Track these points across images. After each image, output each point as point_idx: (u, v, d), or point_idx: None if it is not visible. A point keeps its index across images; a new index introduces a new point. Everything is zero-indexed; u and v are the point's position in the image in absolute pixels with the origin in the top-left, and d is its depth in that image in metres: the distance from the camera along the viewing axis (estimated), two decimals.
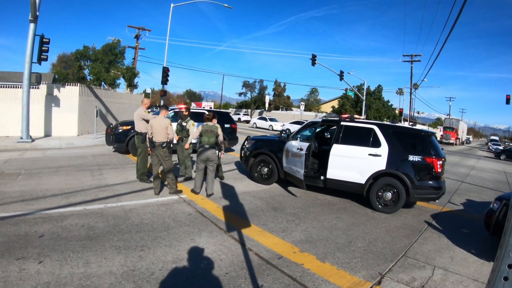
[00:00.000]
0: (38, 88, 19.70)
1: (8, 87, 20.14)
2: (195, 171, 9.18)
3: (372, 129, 9.12)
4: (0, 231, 5.79)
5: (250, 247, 5.87)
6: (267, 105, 64.16)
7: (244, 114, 63.75)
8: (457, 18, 13.69)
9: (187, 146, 10.16)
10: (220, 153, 9.24)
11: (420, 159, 8.56)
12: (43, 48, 17.73)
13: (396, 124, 9.76)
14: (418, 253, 6.20)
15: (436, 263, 5.81)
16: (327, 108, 69.57)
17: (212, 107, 20.89)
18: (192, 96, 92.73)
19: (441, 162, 8.61)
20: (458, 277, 5.39)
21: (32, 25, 16.97)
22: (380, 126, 9.18)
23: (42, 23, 65.45)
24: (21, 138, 16.86)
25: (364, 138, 9.17)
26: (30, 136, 17.20)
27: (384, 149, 8.79)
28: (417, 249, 6.42)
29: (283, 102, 69.44)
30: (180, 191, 8.85)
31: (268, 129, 43.47)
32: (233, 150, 17.59)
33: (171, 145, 8.79)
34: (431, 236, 7.24)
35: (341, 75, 39.31)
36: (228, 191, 9.45)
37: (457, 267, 5.77)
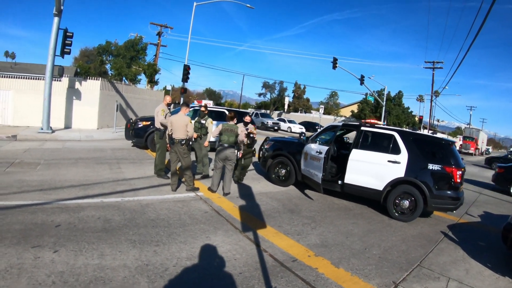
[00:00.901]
0: (60, 80, 19.98)
1: (31, 78, 20.44)
2: (212, 170, 9.16)
3: (392, 136, 8.97)
4: (18, 218, 5.85)
5: (265, 248, 5.82)
6: (286, 107, 63.84)
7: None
8: (480, 27, 13.44)
9: (206, 144, 10.15)
10: (239, 152, 9.19)
11: (439, 168, 8.38)
12: (66, 41, 18.00)
13: (417, 132, 9.60)
14: (433, 264, 6.06)
15: (451, 275, 5.67)
16: (346, 112, 69.18)
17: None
18: (212, 95, 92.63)
19: (460, 172, 8.41)
20: None
21: (56, 19, 17.23)
22: (400, 132, 9.02)
23: (65, 18, 66.31)
24: (42, 129, 17.11)
25: (384, 144, 9.04)
26: (50, 127, 17.44)
27: (403, 156, 8.63)
28: (433, 259, 6.29)
29: (302, 104, 69.10)
30: (197, 189, 8.84)
31: (287, 131, 43.34)
32: None
33: (190, 143, 8.77)
34: (447, 247, 7.08)
35: (361, 80, 39.01)
36: (245, 191, 9.41)
37: (472, 280, 5.62)
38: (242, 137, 8.99)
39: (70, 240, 5.21)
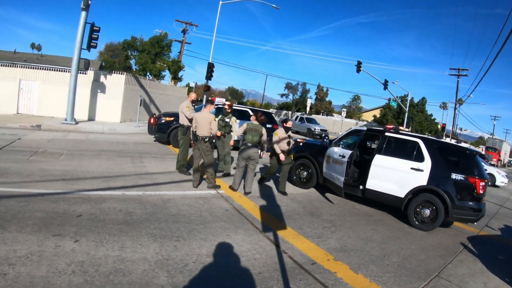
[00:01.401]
0: (85, 73, 20.30)
1: (56, 70, 20.76)
2: (234, 168, 9.12)
3: (416, 143, 8.81)
4: (40, 206, 5.91)
5: (285, 250, 5.77)
6: (308, 109, 63.52)
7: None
8: (508, 35, 13.17)
9: (231, 142, 10.11)
10: (262, 152, 9.10)
11: (462, 178, 8.17)
12: (93, 36, 18.34)
13: (442, 140, 9.40)
14: (452, 275, 5.90)
15: None
16: (368, 116, 68.58)
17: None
18: (234, 94, 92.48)
19: (484, 184, 8.20)
20: None
21: (83, 13, 17.53)
22: (425, 140, 8.86)
23: (93, 12, 67.29)
24: (65, 120, 17.38)
25: (407, 151, 8.87)
26: (74, 119, 17.70)
27: (427, 164, 8.46)
28: (451, 270, 6.13)
29: (324, 107, 68.76)
30: (219, 186, 8.82)
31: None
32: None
33: (214, 140, 8.75)
34: (466, 259, 6.90)
35: (385, 84, 38.46)
36: (266, 191, 9.36)
37: None
38: (282, 145, 8.97)
39: (91, 231, 5.23)
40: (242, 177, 8.92)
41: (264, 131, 8.73)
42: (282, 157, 9.11)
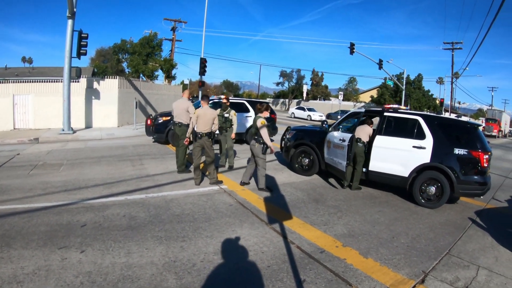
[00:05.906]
0: (78, 81, 20.21)
1: (49, 81, 20.73)
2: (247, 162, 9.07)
3: (416, 120, 8.75)
4: (43, 220, 5.89)
5: (292, 240, 5.74)
6: (304, 95, 63.50)
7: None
8: (502, 3, 13.04)
9: (233, 136, 10.08)
10: (269, 148, 8.73)
11: (465, 153, 8.12)
12: (81, 43, 18.25)
13: (441, 115, 9.33)
14: (462, 252, 5.87)
15: (480, 263, 5.47)
16: (365, 97, 68.58)
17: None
18: (230, 87, 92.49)
19: (487, 156, 8.14)
20: (503, 279, 5.04)
21: (70, 21, 17.41)
22: (425, 117, 8.80)
23: (79, 19, 67.18)
24: (63, 130, 17.32)
25: (408, 129, 8.83)
26: (72, 128, 17.63)
27: (428, 141, 8.41)
28: (461, 247, 6.09)
29: (321, 91, 68.80)
30: (221, 182, 8.80)
31: (306, 119, 42.94)
32: (272, 141, 17.42)
33: (215, 136, 8.70)
34: (475, 234, 6.85)
35: (380, 64, 38.31)
36: (269, 182, 9.24)
37: (502, 268, 5.40)
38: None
39: (96, 240, 5.22)
40: (252, 172, 8.89)
41: (259, 122, 8.39)
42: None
